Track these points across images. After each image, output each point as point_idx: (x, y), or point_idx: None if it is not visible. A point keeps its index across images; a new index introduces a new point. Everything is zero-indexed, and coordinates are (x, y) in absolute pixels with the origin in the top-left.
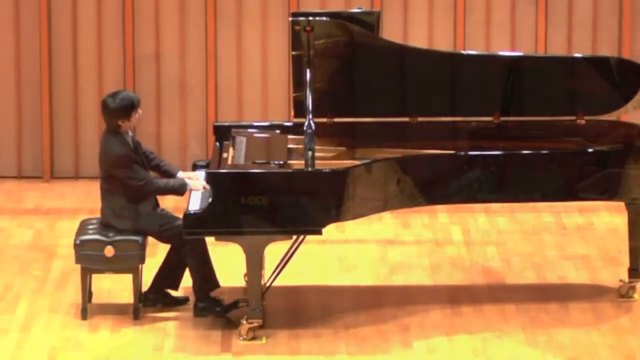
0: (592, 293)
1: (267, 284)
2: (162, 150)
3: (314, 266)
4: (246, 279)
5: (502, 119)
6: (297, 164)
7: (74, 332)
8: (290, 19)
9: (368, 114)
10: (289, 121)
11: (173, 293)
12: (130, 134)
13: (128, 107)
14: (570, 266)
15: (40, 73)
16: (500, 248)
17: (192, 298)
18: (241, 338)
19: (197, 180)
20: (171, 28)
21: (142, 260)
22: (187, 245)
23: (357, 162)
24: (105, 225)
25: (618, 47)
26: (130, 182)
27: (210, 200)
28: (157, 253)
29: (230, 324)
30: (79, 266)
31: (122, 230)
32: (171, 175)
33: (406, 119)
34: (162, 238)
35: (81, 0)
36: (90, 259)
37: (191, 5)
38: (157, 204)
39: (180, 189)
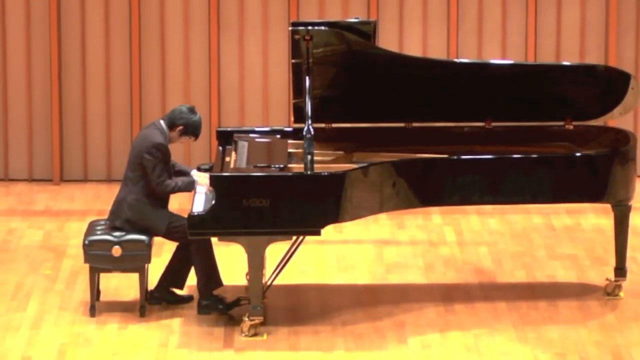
0: (579, 291)
1: (268, 283)
2: None
3: (313, 265)
4: (248, 277)
5: (494, 124)
6: (297, 167)
7: (82, 328)
8: (290, 28)
9: (365, 119)
10: (289, 126)
11: (178, 292)
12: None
13: (194, 128)
14: (558, 266)
15: (51, 80)
16: (492, 248)
17: (196, 296)
18: (243, 334)
19: (204, 177)
20: (176, 37)
21: (149, 260)
22: (194, 245)
23: (354, 166)
24: (112, 215)
25: (605, 54)
26: (150, 174)
27: (213, 202)
28: (162, 253)
29: (233, 321)
30: (87, 265)
31: (128, 220)
32: (185, 174)
33: (401, 124)
34: (169, 236)
35: (89, 10)
36: (98, 259)
37: (195, 15)
38: (166, 204)
39: (189, 187)
